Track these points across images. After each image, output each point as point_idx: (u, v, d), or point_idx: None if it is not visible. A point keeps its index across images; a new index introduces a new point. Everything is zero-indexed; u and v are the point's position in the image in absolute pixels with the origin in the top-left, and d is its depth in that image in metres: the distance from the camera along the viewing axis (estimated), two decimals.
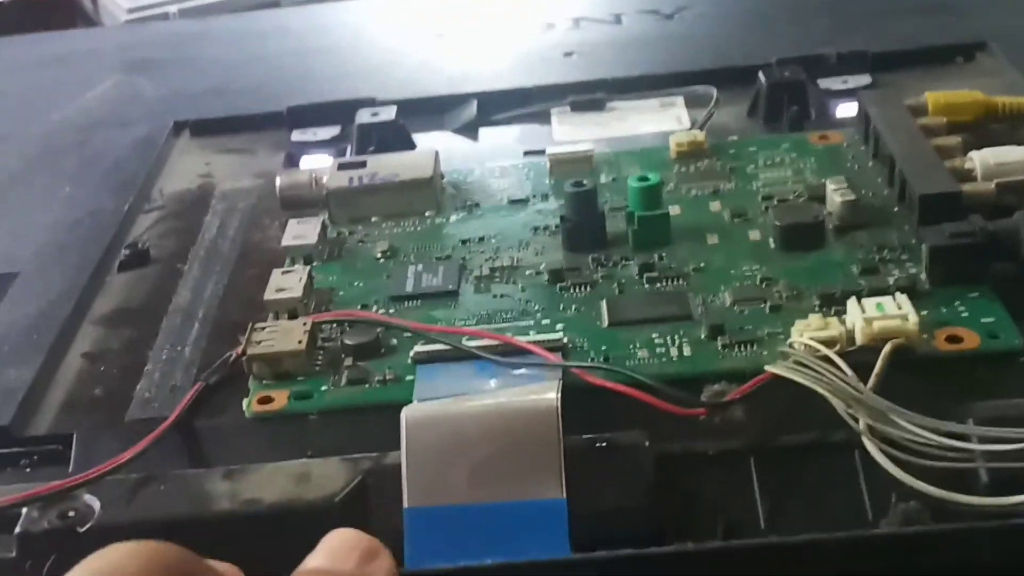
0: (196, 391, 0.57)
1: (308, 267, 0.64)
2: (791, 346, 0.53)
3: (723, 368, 0.55)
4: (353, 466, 0.52)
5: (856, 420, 0.48)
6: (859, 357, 0.53)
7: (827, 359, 0.51)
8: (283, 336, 0.58)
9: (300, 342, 0.58)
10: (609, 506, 0.50)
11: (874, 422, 0.48)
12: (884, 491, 0.49)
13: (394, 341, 0.60)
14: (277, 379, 0.58)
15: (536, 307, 0.62)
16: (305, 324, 0.59)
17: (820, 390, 0.49)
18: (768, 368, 0.51)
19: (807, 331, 0.54)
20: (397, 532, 0.49)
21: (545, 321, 0.60)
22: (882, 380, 0.51)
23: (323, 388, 0.57)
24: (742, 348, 0.56)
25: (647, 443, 0.51)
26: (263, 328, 0.59)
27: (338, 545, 0.40)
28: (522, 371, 0.55)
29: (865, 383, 0.50)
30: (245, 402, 0.57)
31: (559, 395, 0.52)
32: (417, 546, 0.50)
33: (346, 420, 0.56)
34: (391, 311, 0.63)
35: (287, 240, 0.68)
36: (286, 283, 0.63)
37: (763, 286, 0.61)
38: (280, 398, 0.57)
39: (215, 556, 0.49)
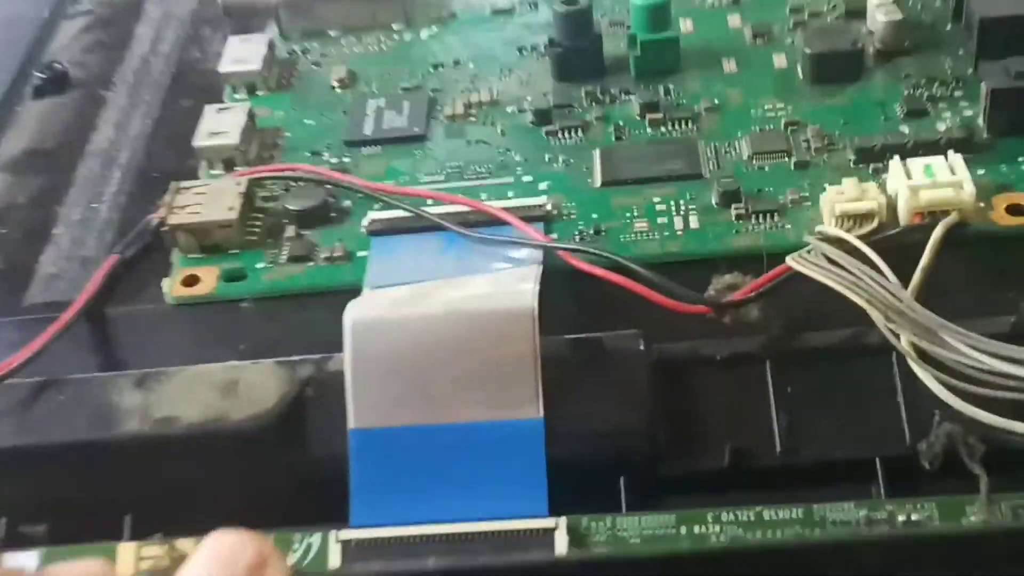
0: (109, 267, 0.48)
1: (248, 106, 0.54)
2: (819, 234, 0.43)
3: (738, 248, 0.46)
4: (290, 373, 0.43)
5: (898, 336, 0.39)
6: (903, 239, 0.44)
7: (862, 256, 0.42)
8: (213, 200, 0.49)
9: (232, 209, 0.48)
10: (596, 425, 0.42)
11: (920, 340, 0.39)
12: (925, 406, 0.41)
13: (347, 203, 0.50)
14: (205, 252, 0.49)
15: (517, 157, 0.52)
16: (239, 184, 0.49)
17: (854, 297, 0.40)
18: (789, 261, 0.42)
19: (839, 201, 0.45)
20: (341, 459, 0.42)
21: (527, 178, 0.51)
22: (929, 273, 0.42)
23: (259, 266, 0.48)
24: (761, 219, 0.47)
25: (641, 346, 0.43)
26: (188, 189, 0.50)
27: (221, 552, 0.32)
28: (496, 257, 0.46)
29: (909, 279, 0.41)
30: (166, 283, 0.48)
31: (536, 288, 0.43)
32: (364, 475, 0.42)
33: (286, 308, 0.47)
34: (345, 160, 0.53)
35: (226, 65, 0.57)
36: (221, 124, 0.53)
37: (788, 133, 0.51)
38: (208, 278, 0.48)
39: (122, 486, 0.42)
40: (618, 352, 0.43)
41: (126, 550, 0.41)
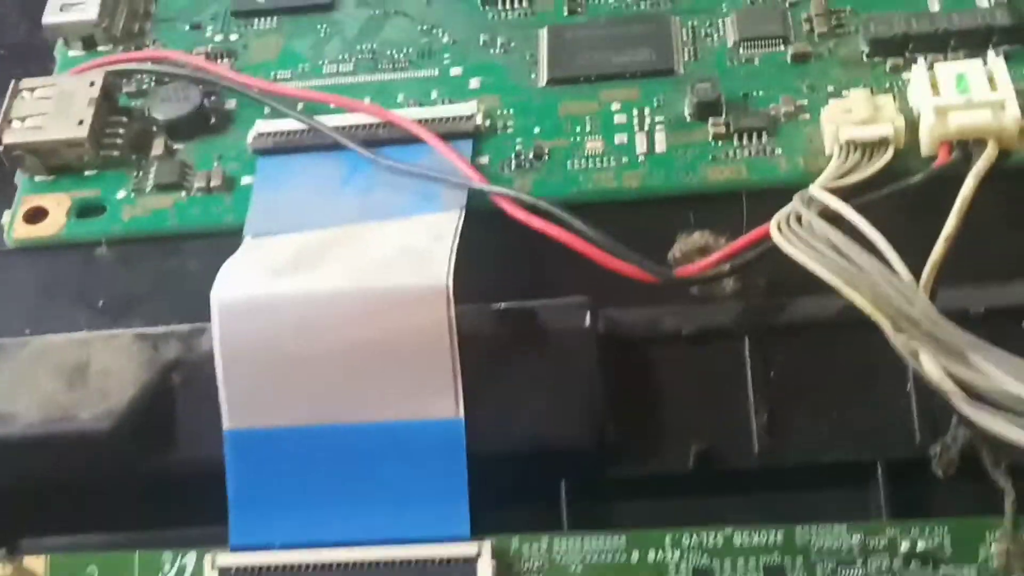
0: None
1: None
2: (806, 199, 0.33)
3: (713, 182, 0.36)
4: (151, 354, 0.35)
5: (914, 355, 0.30)
6: (924, 192, 0.34)
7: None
8: (60, 108, 0.38)
9: (82, 123, 0.38)
10: (529, 420, 0.34)
11: (939, 357, 0.30)
12: (941, 403, 0.32)
13: (231, 103, 0.40)
14: (54, 174, 0.39)
15: (445, 39, 0.41)
16: (92, 84, 0.39)
17: (852, 295, 0.31)
18: (773, 231, 0.32)
19: (845, 122, 0.35)
20: (215, 464, 0.34)
21: (455, 69, 0.40)
22: (953, 240, 0.32)
23: (120, 196, 0.38)
24: (745, 140, 0.37)
25: (587, 320, 0.34)
26: (32, 91, 0.39)
27: None
28: (408, 193, 0.37)
29: (927, 246, 0.32)
30: (5, 217, 0.39)
31: (453, 251, 0.34)
32: (244, 487, 0.34)
33: (151, 254, 0.38)
34: (232, 38, 0.42)
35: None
36: None
37: (786, 6, 0.40)
38: (57, 211, 0.38)
39: None
40: (558, 327, 0.34)
41: None
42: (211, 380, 0.33)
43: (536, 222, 0.34)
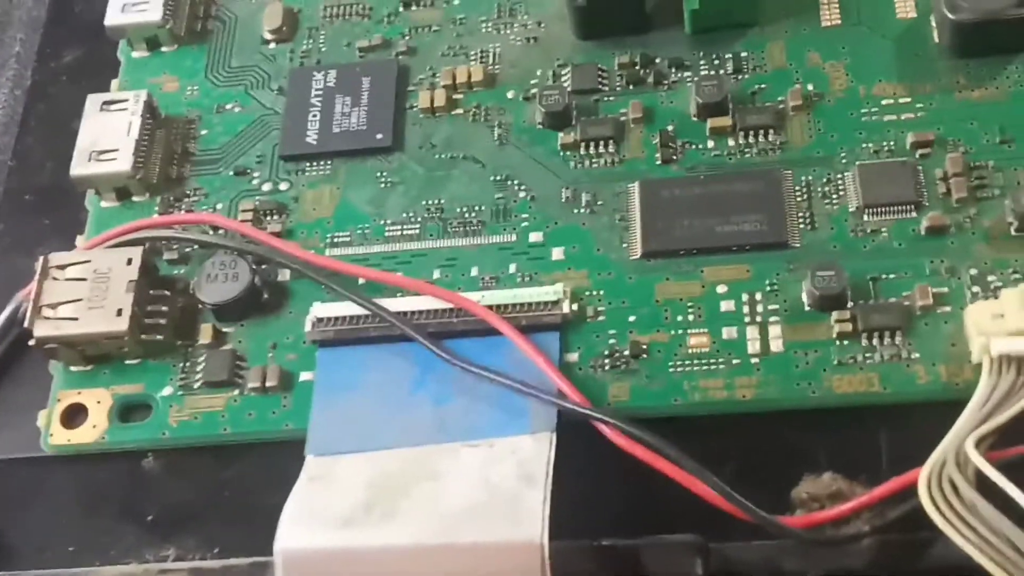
0: None
1: (143, 97, 0.38)
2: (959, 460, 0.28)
3: (840, 395, 0.31)
4: None
5: None
6: None
7: None
8: (95, 295, 0.34)
9: (121, 313, 0.34)
10: None
11: None
12: None
13: (284, 276, 0.36)
14: (91, 363, 0.35)
15: (521, 192, 0.36)
16: (131, 263, 0.35)
17: None
18: (921, 489, 0.28)
19: (995, 333, 0.30)
20: None
21: (535, 235, 0.35)
22: None
23: (165, 393, 0.34)
24: (876, 341, 0.32)
25: (701, 565, 0.30)
26: (62, 270, 0.35)
27: None
28: (490, 405, 0.32)
29: None
30: (42, 421, 0.35)
31: (547, 494, 0.30)
32: None
33: (203, 464, 0.34)
34: (281, 188, 0.37)
35: (114, 17, 0.41)
36: (107, 134, 0.38)
37: (915, 158, 0.35)
38: (98, 411, 0.34)
39: None
40: (665, 567, 0.30)
41: None
42: None
43: (640, 452, 0.30)
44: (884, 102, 0.36)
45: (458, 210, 0.36)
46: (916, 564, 0.30)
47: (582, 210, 0.36)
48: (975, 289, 0.32)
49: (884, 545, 0.30)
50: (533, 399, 0.32)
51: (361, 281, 0.35)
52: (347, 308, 0.34)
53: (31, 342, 0.35)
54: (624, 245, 0.35)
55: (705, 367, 0.32)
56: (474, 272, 0.35)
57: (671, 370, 0.32)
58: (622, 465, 0.31)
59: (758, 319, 0.33)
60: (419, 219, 0.36)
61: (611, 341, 0.33)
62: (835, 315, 0.32)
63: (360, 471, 0.31)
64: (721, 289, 0.33)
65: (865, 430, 0.31)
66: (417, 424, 0.32)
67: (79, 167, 0.37)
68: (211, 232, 0.36)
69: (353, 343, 0.34)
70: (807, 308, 0.33)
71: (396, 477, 0.31)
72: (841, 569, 0.30)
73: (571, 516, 0.30)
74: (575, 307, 0.33)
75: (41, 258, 0.35)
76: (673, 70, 0.37)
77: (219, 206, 0.37)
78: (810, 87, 0.36)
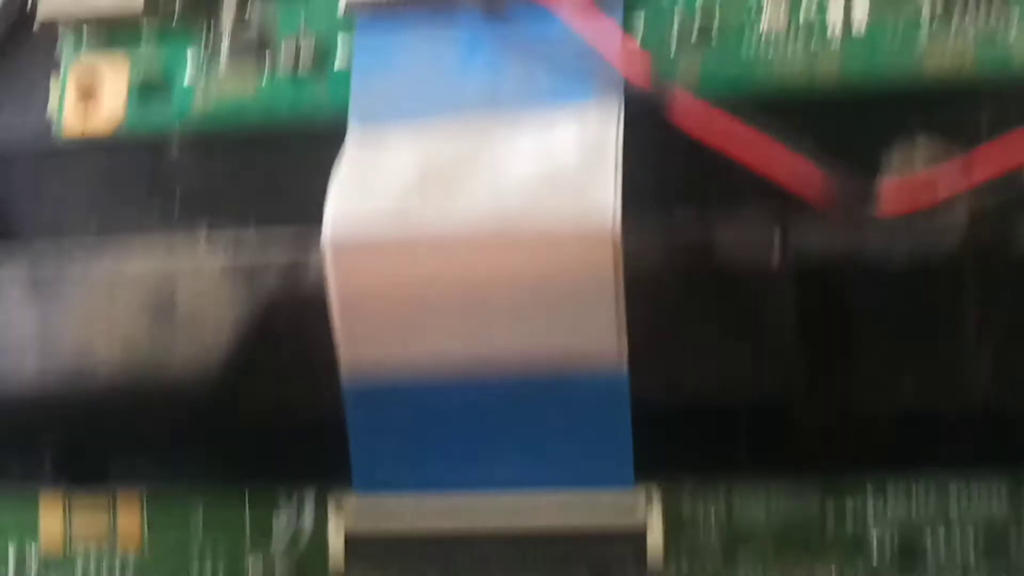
0: None
1: None
2: None
3: (930, 70, 0.28)
4: (249, 291, 0.29)
5: None
6: None
7: None
8: None
9: None
10: (707, 371, 0.28)
11: None
12: None
13: None
14: (103, 44, 0.32)
15: None
16: None
17: None
18: None
19: None
20: (328, 418, 0.29)
21: None
22: None
23: (188, 71, 0.31)
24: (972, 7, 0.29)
25: (777, 251, 0.28)
26: None
27: None
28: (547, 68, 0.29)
29: None
30: (53, 96, 0.32)
31: (618, 172, 0.27)
32: (365, 444, 0.29)
33: (232, 149, 0.31)
34: None
35: None
36: None
37: None
38: (113, 88, 0.31)
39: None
40: (741, 261, 0.28)
41: None
42: (320, 321, 0.28)
43: (712, 135, 0.28)
44: None
45: None
46: (1010, 248, 0.28)
47: None
48: None
49: (977, 227, 0.28)
50: (596, 63, 0.29)
51: None
52: None
53: (35, 26, 0.31)
54: None
55: (781, 47, 0.29)
56: None
57: (743, 50, 0.29)
58: (691, 151, 0.29)
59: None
60: None
61: (679, 15, 0.30)
62: None
63: (409, 146, 0.29)
64: None
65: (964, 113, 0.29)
66: (471, 91, 0.29)
67: None
68: None
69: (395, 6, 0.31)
70: None
71: (450, 153, 0.29)
72: (929, 252, 0.29)
73: (639, 203, 0.28)
74: None
75: None
76: None
77: None
78: None
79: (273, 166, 0.31)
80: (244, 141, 0.31)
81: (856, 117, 0.29)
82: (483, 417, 0.29)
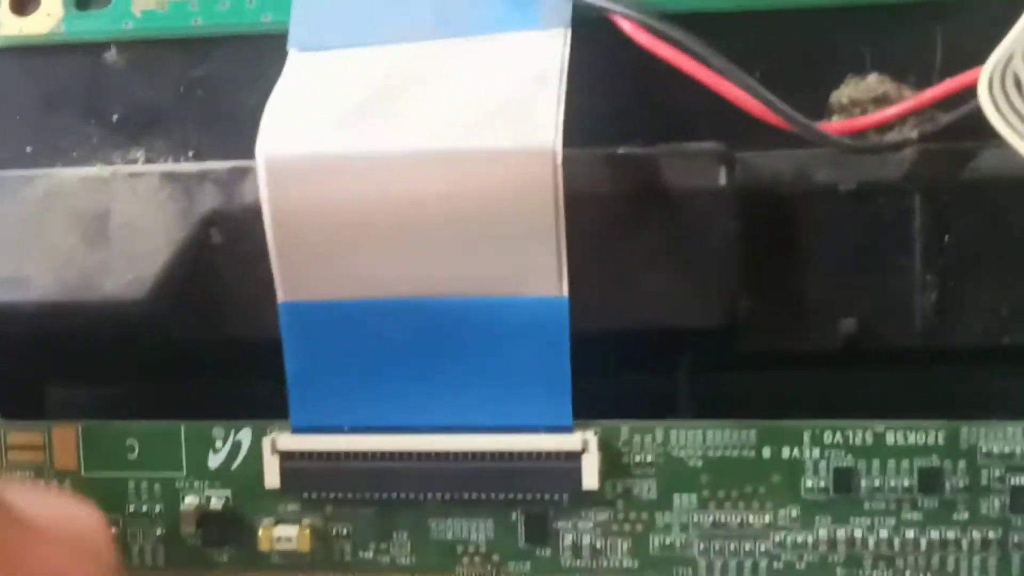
0: None
1: None
2: None
3: None
4: (185, 202, 0.29)
5: None
6: None
7: None
8: None
9: None
10: (649, 294, 0.28)
11: None
12: None
13: None
14: None
15: None
16: None
17: None
18: (982, 97, 0.24)
19: None
20: (264, 338, 0.28)
21: None
22: None
23: None
24: None
25: (723, 174, 0.27)
26: None
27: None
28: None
29: None
30: None
31: (560, 94, 0.27)
32: (302, 365, 0.28)
33: (172, 58, 0.30)
34: None
35: None
36: None
37: None
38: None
39: None
40: (686, 181, 0.28)
41: None
42: (258, 236, 0.27)
43: (663, 50, 0.27)
44: None
45: None
46: (963, 175, 0.27)
47: None
48: None
49: (929, 154, 0.27)
50: None
51: None
52: None
53: None
54: None
55: None
56: None
57: None
58: (642, 68, 0.28)
59: None
60: None
61: None
62: None
63: (352, 69, 0.28)
64: None
65: (916, 28, 0.28)
66: (415, 18, 0.29)
67: None
68: None
69: None
70: None
71: (393, 76, 0.28)
72: (878, 180, 0.28)
73: (586, 124, 0.27)
74: None
75: None
76: None
77: None
78: None
79: (213, 73, 0.30)
80: (183, 47, 0.30)
81: (808, 37, 0.28)
82: (421, 339, 0.28)
